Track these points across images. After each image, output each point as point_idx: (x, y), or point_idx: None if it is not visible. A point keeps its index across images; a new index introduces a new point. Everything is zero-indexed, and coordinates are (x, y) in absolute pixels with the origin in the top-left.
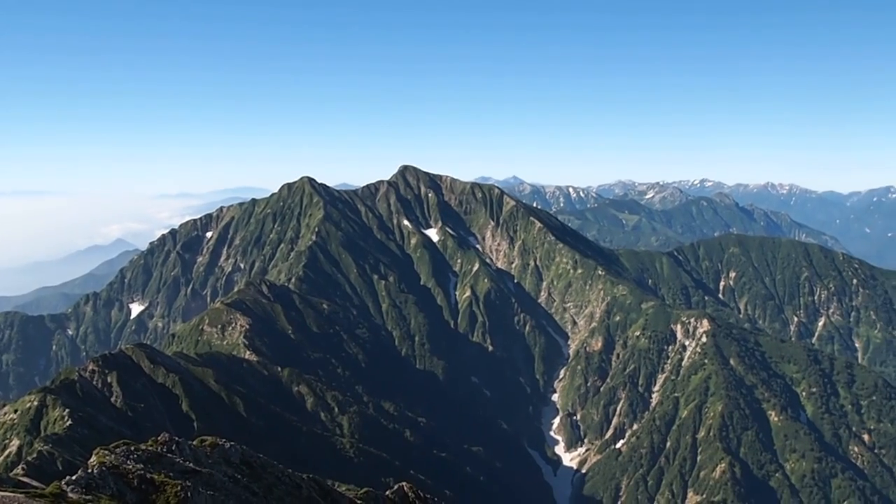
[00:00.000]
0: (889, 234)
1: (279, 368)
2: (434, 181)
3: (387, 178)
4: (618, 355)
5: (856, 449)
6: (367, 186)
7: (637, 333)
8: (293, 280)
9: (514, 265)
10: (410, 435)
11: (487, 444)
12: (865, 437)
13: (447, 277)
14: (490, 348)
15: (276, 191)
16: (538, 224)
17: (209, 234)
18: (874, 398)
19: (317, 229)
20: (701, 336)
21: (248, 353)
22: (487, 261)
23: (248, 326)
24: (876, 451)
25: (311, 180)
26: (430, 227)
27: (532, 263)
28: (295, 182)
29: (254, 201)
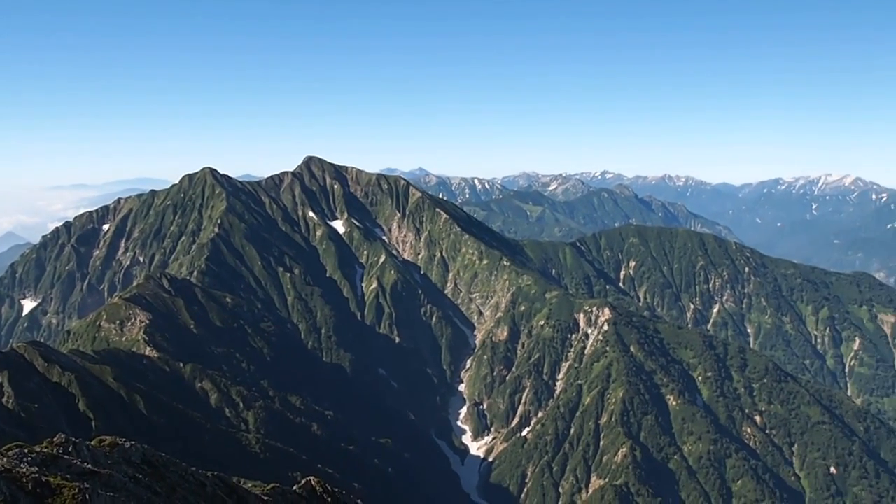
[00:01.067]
0: (778, 224)
1: (181, 364)
2: (340, 172)
3: (291, 169)
4: (523, 344)
5: (748, 430)
6: (272, 177)
7: (541, 323)
8: (195, 273)
9: (420, 256)
10: (318, 429)
11: (395, 436)
12: (757, 418)
13: (353, 269)
14: (397, 340)
15: (176, 182)
16: (444, 215)
17: (106, 227)
18: (765, 381)
19: (219, 221)
20: (603, 324)
21: (148, 349)
22: (394, 252)
23: (148, 322)
24: (767, 431)
25: (212, 171)
26: (336, 218)
27: (438, 255)
28: (196, 173)
29: (153, 193)
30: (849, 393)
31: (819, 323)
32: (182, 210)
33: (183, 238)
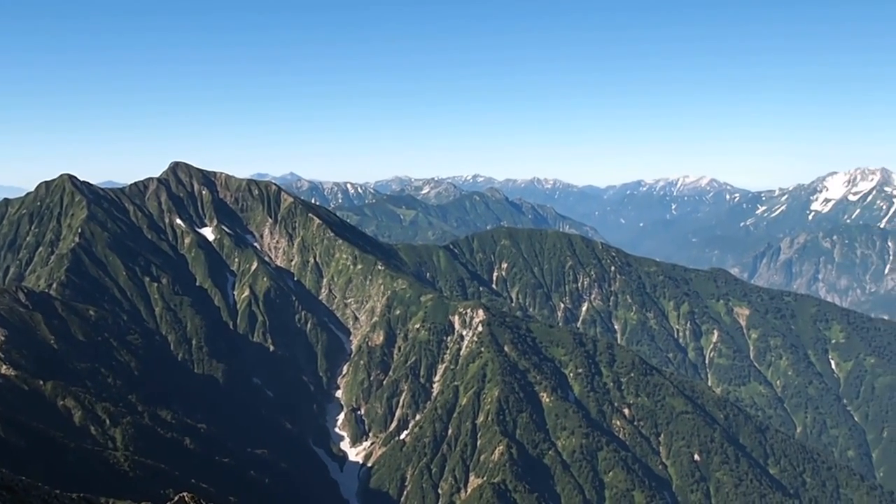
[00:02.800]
0: (641, 224)
1: (41, 382)
2: (208, 178)
3: (157, 175)
4: (399, 348)
5: (618, 423)
6: (136, 184)
7: (417, 326)
8: (55, 286)
9: (293, 263)
10: (190, 443)
11: (272, 446)
12: (626, 411)
13: (224, 277)
14: (271, 348)
15: (31, 190)
16: (317, 221)
17: None
18: (632, 375)
19: (80, 230)
20: (477, 325)
21: (4, 367)
22: (266, 259)
23: (3, 338)
24: (635, 423)
25: (71, 178)
26: (206, 225)
27: (312, 260)
28: (54, 180)
29: (7, 201)
30: (709, 383)
31: (680, 318)
32: (39, 219)
33: (40, 249)
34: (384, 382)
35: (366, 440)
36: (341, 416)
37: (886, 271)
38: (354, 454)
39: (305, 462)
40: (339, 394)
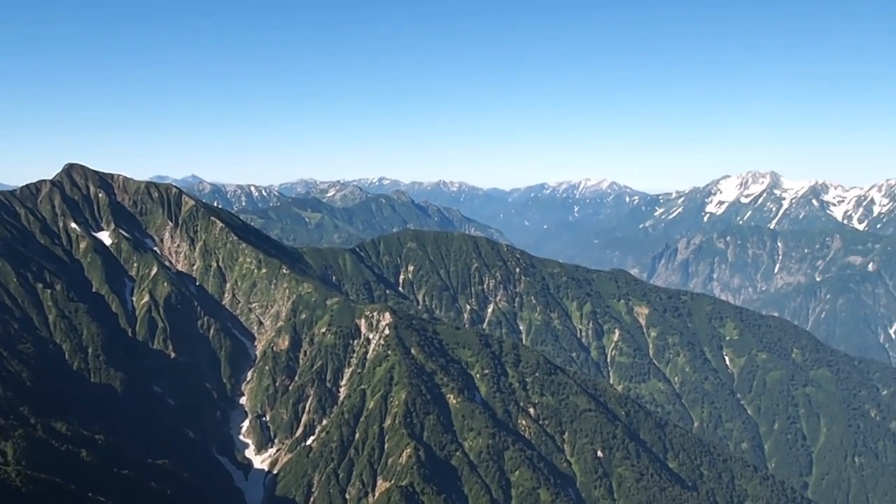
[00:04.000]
0: (545, 227)
1: None
2: (105, 181)
3: (50, 177)
4: (305, 353)
5: (524, 422)
6: (27, 186)
7: (323, 330)
8: None
9: (195, 267)
10: (87, 455)
11: (174, 456)
12: (531, 410)
13: (123, 283)
14: (173, 355)
15: None
16: (220, 224)
17: None
18: (537, 374)
19: None
20: (384, 328)
21: None
22: (167, 264)
23: None
24: (540, 422)
25: None
26: (102, 229)
27: (215, 265)
28: None
29: None
30: (611, 381)
31: (583, 318)
32: None
33: None
34: (290, 388)
35: (271, 447)
36: (246, 423)
37: (776, 270)
38: (260, 461)
39: (209, 471)
40: (243, 400)
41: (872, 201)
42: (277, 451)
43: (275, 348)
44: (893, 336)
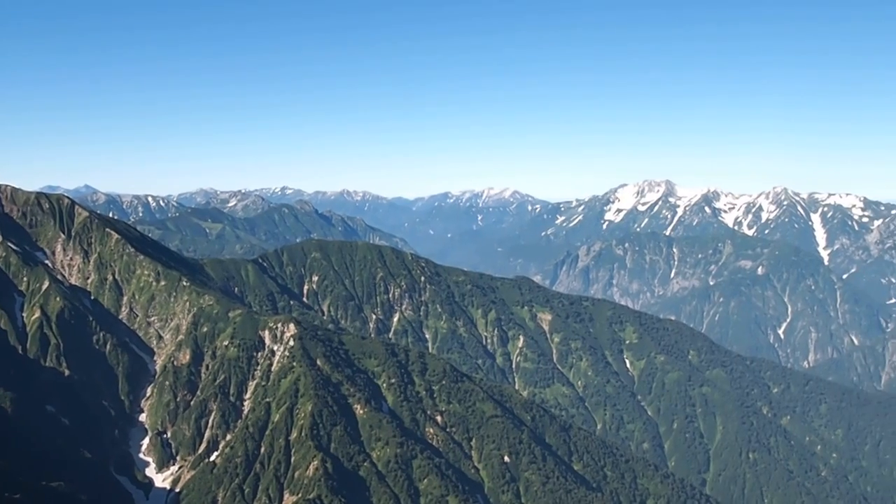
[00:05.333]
0: (449, 235)
1: None
2: None
3: None
4: (207, 366)
5: (431, 430)
6: None
7: (226, 343)
8: None
9: (90, 281)
10: None
11: (69, 477)
12: (438, 418)
13: (12, 298)
14: (67, 372)
15: None
16: (115, 236)
17: None
18: (444, 382)
19: None
20: (288, 340)
21: None
22: (59, 277)
23: None
24: (448, 429)
25: None
26: None
27: (111, 278)
28: None
29: None
30: (516, 387)
31: (488, 325)
32: None
33: None
34: (192, 403)
35: (173, 464)
36: (146, 441)
37: (672, 275)
38: (161, 480)
39: (107, 491)
40: (143, 417)
41: (761, 208)
42: (180, 468)
43: (175, 363)
44: (782, 336)
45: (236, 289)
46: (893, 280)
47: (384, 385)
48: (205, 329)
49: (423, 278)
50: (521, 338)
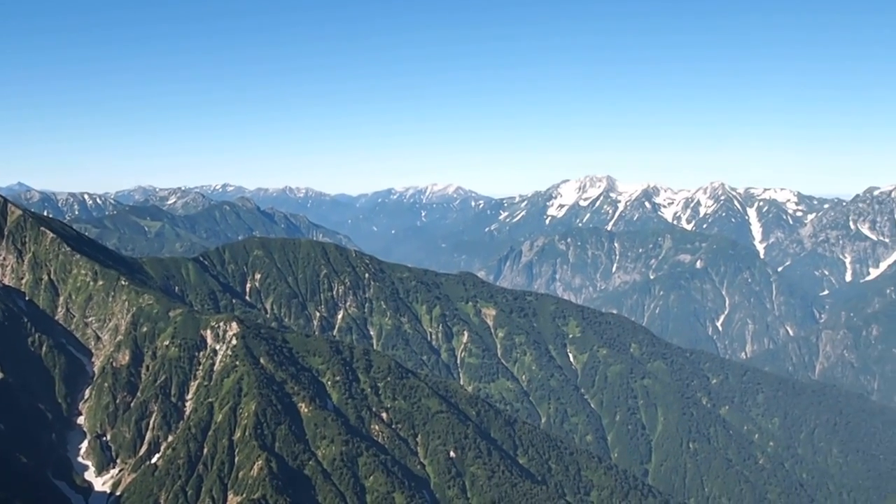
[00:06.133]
0: (393, 232)
1: None
2: None
3: None
4: (147, 367)
5: (377, 427)
6: None
7: (166, 343)
8: None
9: (24, 281)
10: None
11: (4, 484)
12: (384, 415)
13: None
14: (0, 376)
15: None
16: (50, 235)
17: None
18: (389, 379)
19: None
20: (231, 339)
21: None
22: None
23: None
24: (393, 426)
25: None
26: None
27: (46, 278)
28: None
29: None
30: (461, 382)
31: (433, 321)
32: None
33: None
34: (132, 404)
35: (113, 468)
36: (85, 444)
37: (613, 270)
38: (101, 484)
39: (44, 497)
40: (81, 420)
41: (699, 203)
42: (120, 471)
43: (114, 364)
44: (720, 328)
45: (177, 288)
46: (826, 272)
47: (329, 383)
48: (144, 329)
49: (367, 275)
50: (466, 333)
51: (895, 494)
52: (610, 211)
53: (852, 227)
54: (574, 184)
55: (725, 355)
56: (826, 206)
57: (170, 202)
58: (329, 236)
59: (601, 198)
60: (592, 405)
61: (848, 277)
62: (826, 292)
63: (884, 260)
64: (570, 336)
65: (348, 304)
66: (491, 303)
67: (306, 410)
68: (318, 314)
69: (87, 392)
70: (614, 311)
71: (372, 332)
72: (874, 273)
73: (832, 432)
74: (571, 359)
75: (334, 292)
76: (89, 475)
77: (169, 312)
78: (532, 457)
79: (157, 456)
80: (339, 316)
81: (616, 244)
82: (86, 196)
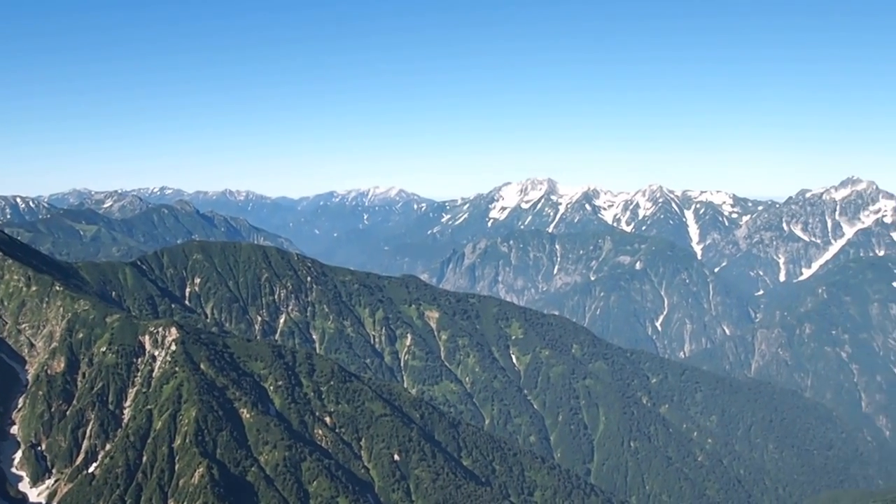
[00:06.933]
0: (335, 235)
1: None
2: None
3: None
4: (84, 374)
5: (320, 431)
6: None
7: (103, 349)
8: None
9: None
10: None
11: None
12: (327, 419)
13: None
14: None
15: None
16: None
17: None
18: (332, 383)
19: None
20: (170, 345)
21: None
22: None
23: None
24: (337, 430)
25: None
26: None
27: None
28: None
29: None
30: (405, 385)
31: (376, 324)
32: None
33: None
34: (67, 413)
35: (49, 478)
36: (18, 454)
37: (555, 272)
38: (36, 494)
39: None
40: (14, 430)
41: (638, 205)
42: (56, 481)
43: (49, 371)
44: (660, 328)
45: (114, 293)
46: (761, 272)
47: (271, 388)
48: (80, 335)
49: (309, 278)
50: (409, 336)
51: (828, 488)
52: (551, 213)
53: (785, 228)
54: (516, 186)
55: (665, 355)
56: (760, 208)
57: (106, 205)
58: (270, 240)
59: (542, 200)
60: (535, 406)
61: (782, 277)
62: (761, 292)
63: (816, 260)
64: (513, 338)
65: (290, 308)
66: (434, 305)
67: (248, 416)
68: (259, 318)
69: (20, 401)
70: (556, 313)
71: (314, 336)
72: (807, 273)
73: (768, 429)
74: (514, 360)
75: (276, 296)
76: (24, 486)
77: (106, 318)
78: (476, 458)
79: (94, 465)
80: (281, 320)
81: (557, 246)
82: (18, 199)
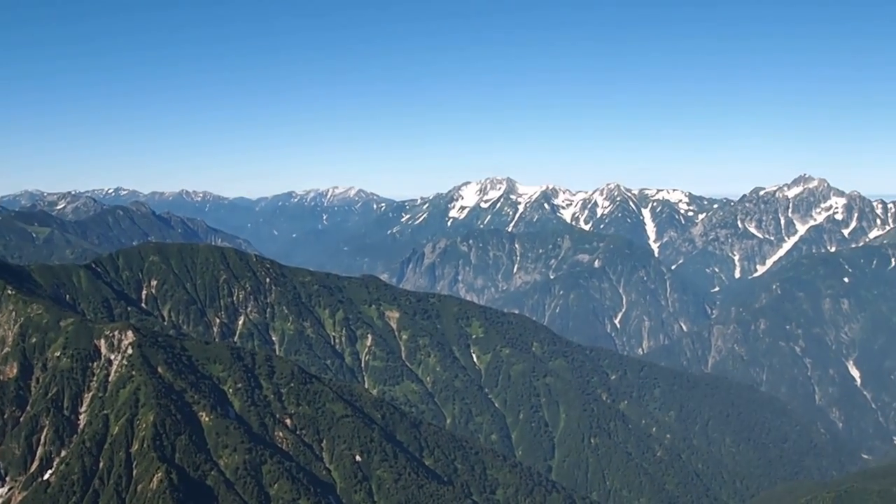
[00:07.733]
0: (294, 235)
1: None
2: None
3: None
4: (38, 380)
5: (280, 434)
6: None
7: (57, 354)
8: None
9: None
10: None
11: None
12: (288, 421)
13: None
14: None
15: None
16: None
17: None
18: (292, 385)
19: None
20: (127, 348)
21: None
22: None
23: None
24: (298, 432)
25: None
26: None
27: None
28: None
29: None
30: (366, 385)
31: (336, 325)
32: None
33: None
34: (21, 419)
35: (2, 486)
36: None
37: (515, 270)
38: None
39: None
40: None
41: (596, 204)
42: (10, 489)
43: (2, 377)
44: (618, 325)
45: (68, 296)
46: (717, 269)
47: (230, 390)
48: (34, 340)
49: (268, 279)
50: (370, 336)
51: (784, 480)
52: (510, 212)
53: (740, 226)
54: (475, 186)
55: (624, 352)
56: (715, 206)
57: (59, 207)
58: (228, 241)
59: (502, 199)
60: (496, 404)
61: (737, 274)
62: (717, 289)
63: (769, 257)
64: (474, 337)
65: (249, 309)
66: (394, 305)
67: (207, 419)
68: (217, 321)
69: None
70: (516, 311)
71: (274, 338)
72: (761, 269)
73: (725, 423)
74: (475, 359)
75: (234, 298)
76: None
77: (60, 322)
78: (438, 458)
79: (49, 472)
80: (240, 322)
81: (517, 245)
82: None
